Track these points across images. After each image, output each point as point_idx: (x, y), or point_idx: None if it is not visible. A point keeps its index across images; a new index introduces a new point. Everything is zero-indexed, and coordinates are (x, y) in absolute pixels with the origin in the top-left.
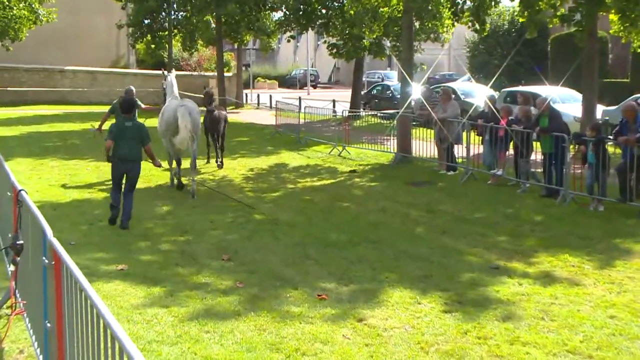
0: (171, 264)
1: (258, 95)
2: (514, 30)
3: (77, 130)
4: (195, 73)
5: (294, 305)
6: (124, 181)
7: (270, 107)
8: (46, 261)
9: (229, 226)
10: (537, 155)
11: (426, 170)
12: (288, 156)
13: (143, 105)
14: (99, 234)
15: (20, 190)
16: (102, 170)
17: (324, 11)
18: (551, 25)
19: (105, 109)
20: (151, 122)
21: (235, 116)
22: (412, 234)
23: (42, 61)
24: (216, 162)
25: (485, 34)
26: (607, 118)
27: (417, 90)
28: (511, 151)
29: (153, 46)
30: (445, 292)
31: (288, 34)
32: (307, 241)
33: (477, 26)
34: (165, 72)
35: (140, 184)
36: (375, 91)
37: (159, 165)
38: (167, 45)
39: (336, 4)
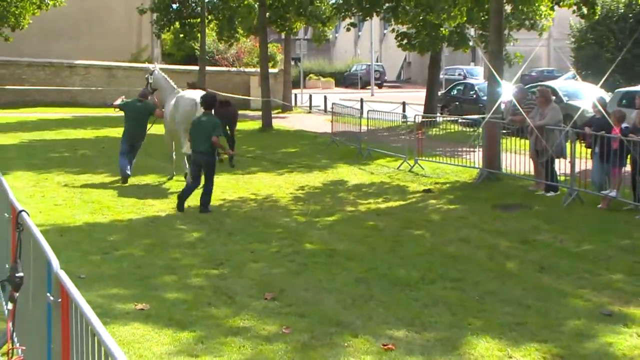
0: (202, 303)
1: (310, 96)
2: (631, 15)
3: (89, 138)
4: (234, 69)
5: (354, 356)
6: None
7: (325, 110)
8: (51, 298)
9: (274, 258)
10: None
11: (519, 191)
12: (347, 171)
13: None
14: (114, 265)
15: (20, 211)
16: (120, 187)
17: None
18: None
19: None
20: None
21: (281, 122)
22: (502, 271)
23: (48, 54)
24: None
25: (595, 18)
26: None
27: (508, 91)
28: (628, 167)
29: (182, 36)
30: (544, 344)
31: (347, 21)
32: (370, 277)
33: (584, 10)
34: (152, 66)
35: (164, 205)
36: (455, 91)
37: (232, 155)
38: (199, 35)
39: None
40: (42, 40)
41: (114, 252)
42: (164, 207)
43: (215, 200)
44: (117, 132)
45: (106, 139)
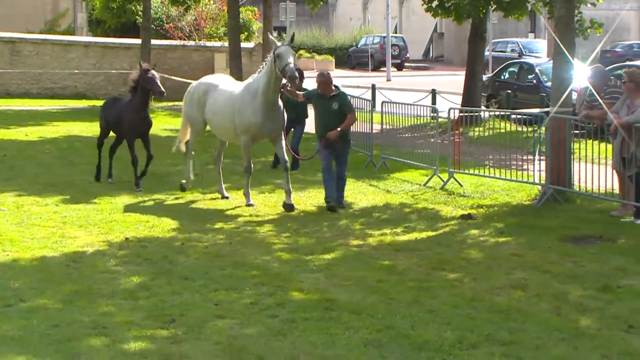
0: None
1: None
2: None
3: None
4: (191, 43)
5: None
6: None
7: None
8: None
9: (248, 312)
10: None
11: (598, 217)
12: (352, 189)
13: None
14: (20, 323)
15: None
16: (28, 211)
17: None
18: None
19: (45, 104)
20: None
21: None
22: (574, 330)
23: None
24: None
25: None
26: None
27: (582, 74)
28: None
29: None
30: None
31: None
32: (385, 340)
33: None
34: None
35: (91, 237)
36: (507, 75)
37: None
38: None
39: None
40: None
41: (20, 304)
42: (92, 239)
43: (164, 232)
44: (23, 133)
45: (7, 143)
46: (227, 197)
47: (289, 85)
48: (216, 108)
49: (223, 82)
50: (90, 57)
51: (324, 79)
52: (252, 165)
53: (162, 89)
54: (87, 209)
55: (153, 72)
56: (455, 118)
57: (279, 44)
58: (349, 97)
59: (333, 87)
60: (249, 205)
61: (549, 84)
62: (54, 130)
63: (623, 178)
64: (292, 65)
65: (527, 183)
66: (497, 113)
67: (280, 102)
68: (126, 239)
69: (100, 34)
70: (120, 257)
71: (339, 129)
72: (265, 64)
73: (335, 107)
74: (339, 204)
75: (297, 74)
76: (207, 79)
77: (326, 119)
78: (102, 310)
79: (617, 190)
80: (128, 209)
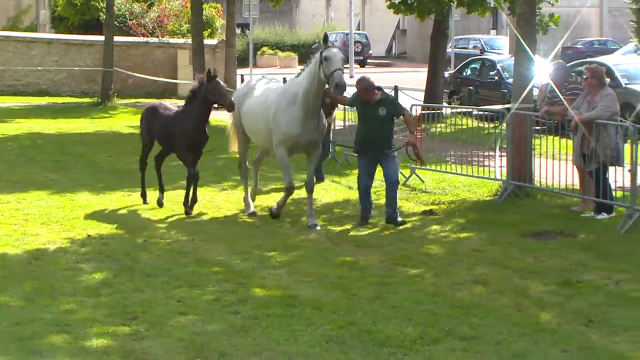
0: None
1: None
2: None
3: None
4: (154, 39)
5: None
6: None
7: None
8: None
9: (210, 309)
10: None
11: (558, 212)
12: (315, 185)
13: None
14: None
15: None
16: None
17: None
18: None
19: (7, 101)
20: None
21: (221, 114)
22: (534, 325)
23: None
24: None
25: None
26: None
27: (543, 70)
28: None
29: None
30: None
31: None
32: (347, 336)
33: None
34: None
35: (53, 234)
36: (469, 71)
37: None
38: None
39: None
40: None
41: None
42: (53, 237)
43: (126, 229)
44: None
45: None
46: (252, 214)
47: (332, 90)
48: (250, 111)
49: (264, 84)
50: (53, 54)
51: (364, 86)
52: (294, 184)
53: (232, 99)
54: (49, 206)
55: (219, 80)
56: (418, 114)
57: (329, 43)
58: (397, 100)
59: (377, 92)
60: (274, 215)
61: (510, 80)
62: (16, 127)
63: (583, 174)
64: (341, 71)
65: (488, 179)
66: (459, 110)
67: (322, 110)
68: (88, 236)
69: (63, 31)
70: (82, 254)
71: (418, 135)
72: (307, 66)
73: (382, 114)
74: (394, 219)
75: (345, 83)
76: (251, 79)
77: (373, 128)
78: (64, 308)
79: (577, 186)
80: (90, 206)
